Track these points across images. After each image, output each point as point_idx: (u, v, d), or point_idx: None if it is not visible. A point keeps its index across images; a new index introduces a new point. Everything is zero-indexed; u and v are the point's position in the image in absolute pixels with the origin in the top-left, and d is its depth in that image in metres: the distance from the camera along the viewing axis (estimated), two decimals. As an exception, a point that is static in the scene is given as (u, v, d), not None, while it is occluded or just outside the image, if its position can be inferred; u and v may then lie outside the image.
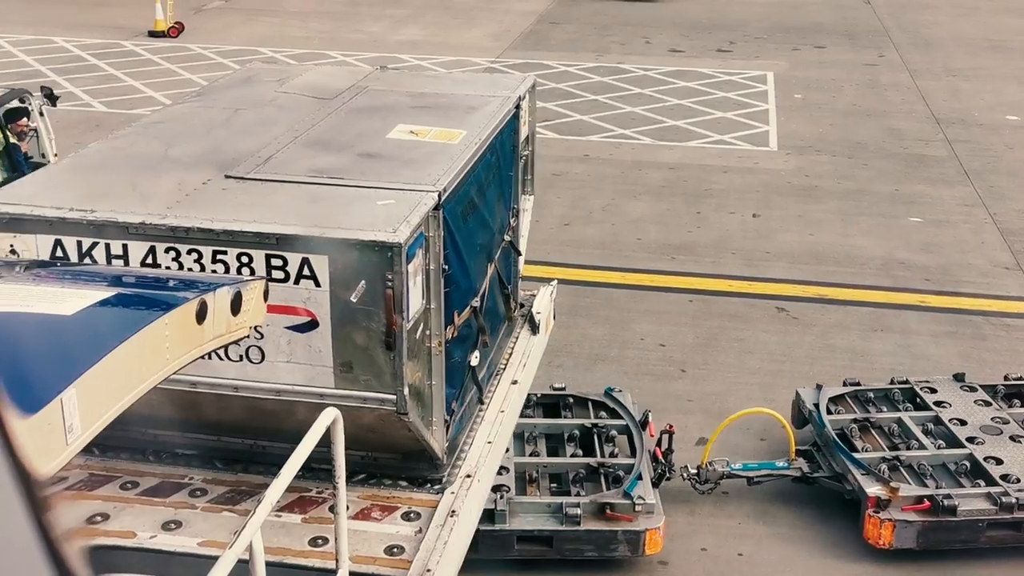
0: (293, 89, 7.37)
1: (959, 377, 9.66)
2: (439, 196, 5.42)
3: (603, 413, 9.16)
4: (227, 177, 5.69)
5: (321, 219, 5.14)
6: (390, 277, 4.95)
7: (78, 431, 2.91)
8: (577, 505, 7.82)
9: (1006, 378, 9.71)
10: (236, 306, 3.70)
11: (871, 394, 9.41)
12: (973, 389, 9.45)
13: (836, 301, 12.55)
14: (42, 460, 2.80)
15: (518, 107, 7.24)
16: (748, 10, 27.85)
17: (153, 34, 24.06)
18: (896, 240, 14.16)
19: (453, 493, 5.83)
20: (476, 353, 6.40)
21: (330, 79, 7.75)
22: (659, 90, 20.71)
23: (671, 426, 8.76)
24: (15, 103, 12.27)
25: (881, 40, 24.95)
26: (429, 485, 5.93)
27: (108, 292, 3.51)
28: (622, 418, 9.03)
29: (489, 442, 6.49)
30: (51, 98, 13.25)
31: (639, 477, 8.10)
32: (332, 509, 4.81)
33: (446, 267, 5.52)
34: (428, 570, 5.17)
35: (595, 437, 8.80)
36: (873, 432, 8.95)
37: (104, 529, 5.33)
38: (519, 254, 7.65)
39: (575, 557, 7.87)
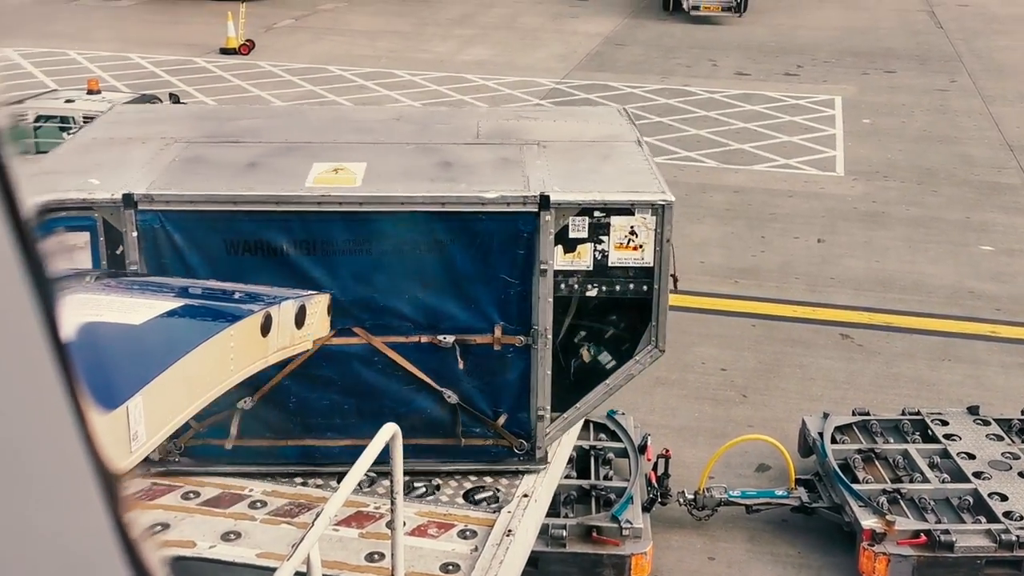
0: (485, 123, 7.08)
1: (973, 410, 9.43)
2: (130, 197, 5.56)
3: (603, 435, 9.06)
4: (188, 142, 6.39)
5: (77, 173, 5.80)
6: None
7: (143, 438, 2.95)
8: (563, 527, 7.72)
9: (1022, 412, 9.47)
10: (300, 319, 3.74)
11: (879, 424, 9.24)
12: (987, 423, 9.22)
13: (903, 329, 12.33)
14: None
15: (541, 207, 5.78)
16: (817, 34, 27.62)
17: (224, 51, 24.50)
18: (966, 268, 13.89)
19: (510, 512, 5.82)
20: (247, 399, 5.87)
21: (545, 126, 7.09)
22: (725, 113, 20.59)
23: (667, 451, 8.72)
24: None
25: (953, 65, 24.57)
26: (485, 503, 5.92)
27: (176, 303, 3.56)
28: (621, 441, 8.94)
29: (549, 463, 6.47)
30: (178, 104, 13.74)
31: (629, 501, 7.99)
32: (389, 525, 4.82)
33: (135, 266, 5.63)
34: (483, 589, 5.15)
35: (592, 459, 8.70)
36: (877, 463, 8.77)
37: (165, 538, 5.39)
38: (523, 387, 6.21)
39: None
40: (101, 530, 0.96)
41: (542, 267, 5.85)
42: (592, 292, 6.08)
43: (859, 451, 8.85)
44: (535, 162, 6.30)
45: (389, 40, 26.39)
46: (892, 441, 9.07)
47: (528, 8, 30.38)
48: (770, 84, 22.82)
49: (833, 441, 8.94)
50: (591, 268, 5.99)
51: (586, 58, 24.88)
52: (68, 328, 1.05)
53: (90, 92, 13.26)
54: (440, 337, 5.97)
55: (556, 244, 5.88)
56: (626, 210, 5.86)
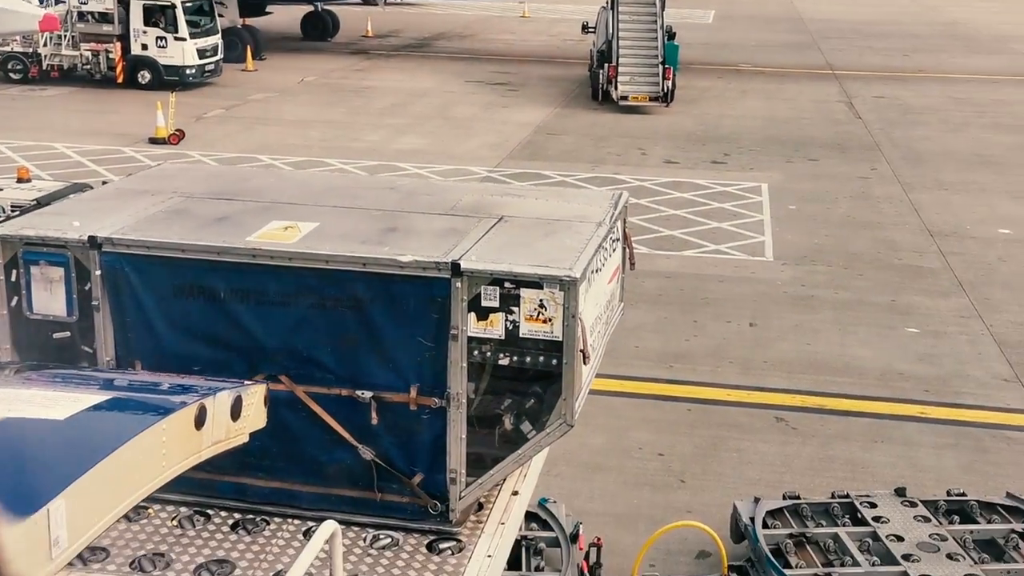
0: (469, 198, 7.25)
1: (901, 492, 9.48)
2: (95, 239, 6.11)
3: (535, 524, 8.87)
4: (188, 196, 6.89)
5: (75, 216, 6.45)
6: None
7: (64, 544, 2.78)
8: None
9: (948, 493, 9.55)
10: (236, 411, 3.60)
11: (810, 508, 9.23)
12: (914, 504, 9.25)
13: (835, 412, 12.42)
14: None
15: (453, 274, 5.89)
16: (741, 123, 28.32)
17: (153, 141, 24.37)
18: (894, 351, 14.10)
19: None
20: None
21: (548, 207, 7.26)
22: (655, 200, 20.90)
23: (599, 539, 8.61)
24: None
25: (873, 154, 25.31)
26: None
27: (102, 396, 3.41)
28: (553, 530, 8.76)
29: (489, 556, 6.31)
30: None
31: None
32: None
33: (96, 301, 6.12)
34: None
35: (522, 550, 8.49)
36: (809, 548, 8.73)
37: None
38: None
39: None
40: None
41: (453, 332, 5.97)
42: (504, 361, 6.18)
43: (790, 535, 8.80)
44: (478, 234, 6.44)
45: (321, 129, 26.46)
46: (823, 525, 9.05)
47: (460, 98, 30.76)
48: (698, 172, 23.27)
49: (765, 526, 8.89)
50: (503, 337, 6.05)
51: (518, 147, 25.17)
52: None
53: (20, 180, 13.17)
54: (358, 392, 6.10)
55: (469, 311, 6.00)
56: (535, 283, 5.94)
